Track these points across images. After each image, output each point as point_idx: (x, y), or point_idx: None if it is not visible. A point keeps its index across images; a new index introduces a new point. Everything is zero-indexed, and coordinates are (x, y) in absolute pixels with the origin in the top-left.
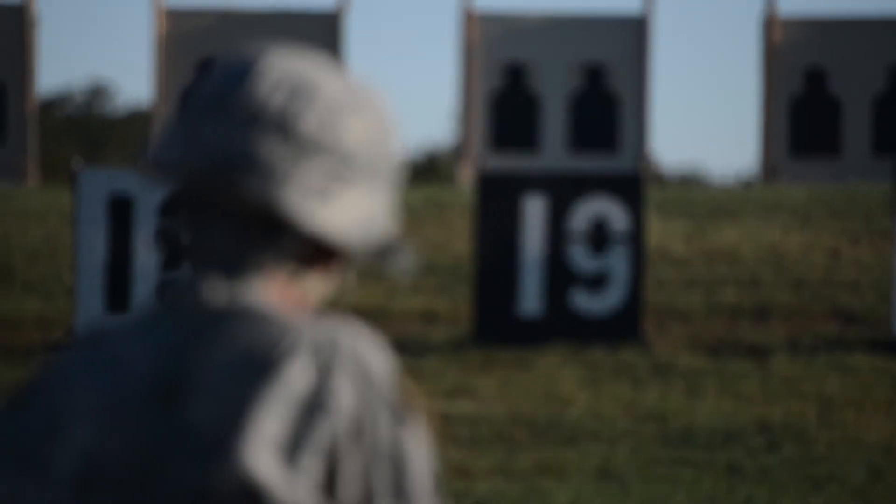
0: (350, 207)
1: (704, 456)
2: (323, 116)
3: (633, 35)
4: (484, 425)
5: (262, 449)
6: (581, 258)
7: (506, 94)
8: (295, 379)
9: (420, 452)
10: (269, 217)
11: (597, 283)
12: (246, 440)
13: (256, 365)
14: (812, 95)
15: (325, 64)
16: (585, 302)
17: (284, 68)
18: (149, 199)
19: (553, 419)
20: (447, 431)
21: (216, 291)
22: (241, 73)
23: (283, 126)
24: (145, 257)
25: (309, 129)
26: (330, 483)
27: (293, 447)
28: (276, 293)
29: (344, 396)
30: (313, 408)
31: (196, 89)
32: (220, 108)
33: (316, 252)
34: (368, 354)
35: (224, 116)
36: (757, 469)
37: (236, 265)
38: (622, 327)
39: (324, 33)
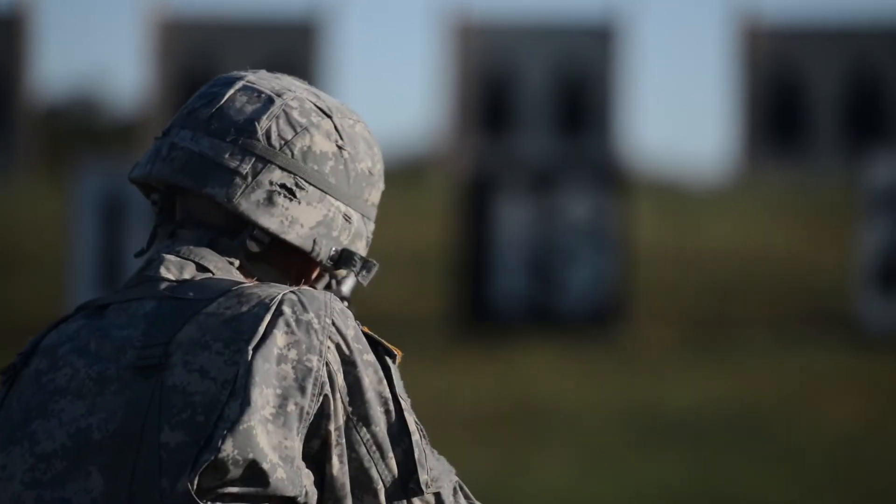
0: (307, 214)
1: (688, 441)
2: (285, 129)
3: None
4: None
5: (255, 416)
6: (564, 250)
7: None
8: (279, 346)
9: (402, 388)
10: (231, 219)
11: (580, 274)
12: (247, 412)
13: (235, 334)
14: (783, 93)
15: (299, 84)
16: (569, 292)
17: (255, 85)
18: (144, 200)
19: (538, 406)
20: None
21: (182, 269)
22: (213, 90)
23: (244, 135)
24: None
25: (271, 138)
26: (323, 445)
27: (284, 412)
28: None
29: (326, 359)
30: (300, 374)
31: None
32: (190, 120)
33: (287, 258)
34: (340, 307)
35: (192, 126)
36: (741, 452)
37: (201, 250)
38: (603, 318)
39: (301, 43)
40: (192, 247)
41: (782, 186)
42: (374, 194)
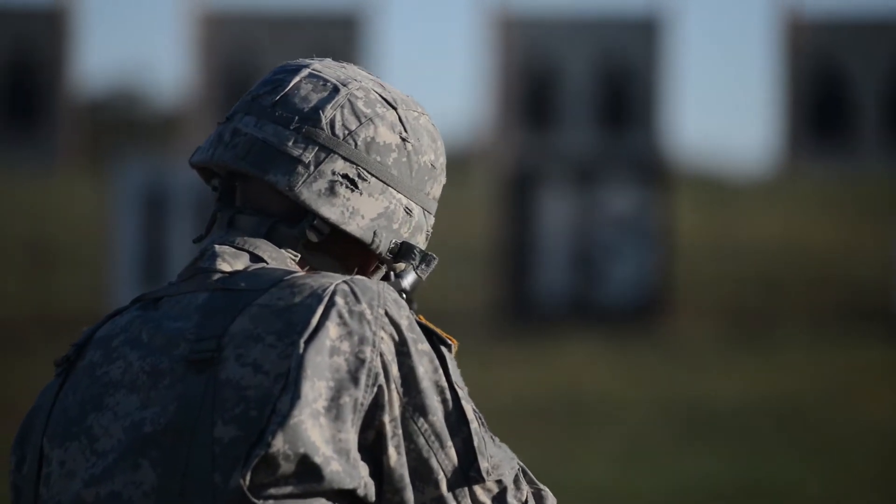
0: (369, 205)
1: (729, 434)
2: (350, 119)
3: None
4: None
5: (305, 409)
6: (606, 243)
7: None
8: (332, 337)
9: (459, 377)
10: (291, 207)
11: (622, 268)
12: (297, 406)
13: (287, 326)
14: (828, 87)
15: (365, 74)
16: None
17: (320, 73)
18: (185, 193)
19: (576, 399)
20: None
21: (235, 259)
22: (278, 77)
23: (308, 123)
24: (180, 249)
25: (335, 128)
26: (378, 437)
27: (337, 405)
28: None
29: (380, 350)
30: (353, 365)
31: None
32: (255, 106)
33: (346, 249)
34: (395, 297)
35: (256, 113)
36: (782, 445)
37: (254, 235)
38: (645, 311)
39: (344, 36)
40: (246, 237)
41: (824, 180)
42: (436, 188)
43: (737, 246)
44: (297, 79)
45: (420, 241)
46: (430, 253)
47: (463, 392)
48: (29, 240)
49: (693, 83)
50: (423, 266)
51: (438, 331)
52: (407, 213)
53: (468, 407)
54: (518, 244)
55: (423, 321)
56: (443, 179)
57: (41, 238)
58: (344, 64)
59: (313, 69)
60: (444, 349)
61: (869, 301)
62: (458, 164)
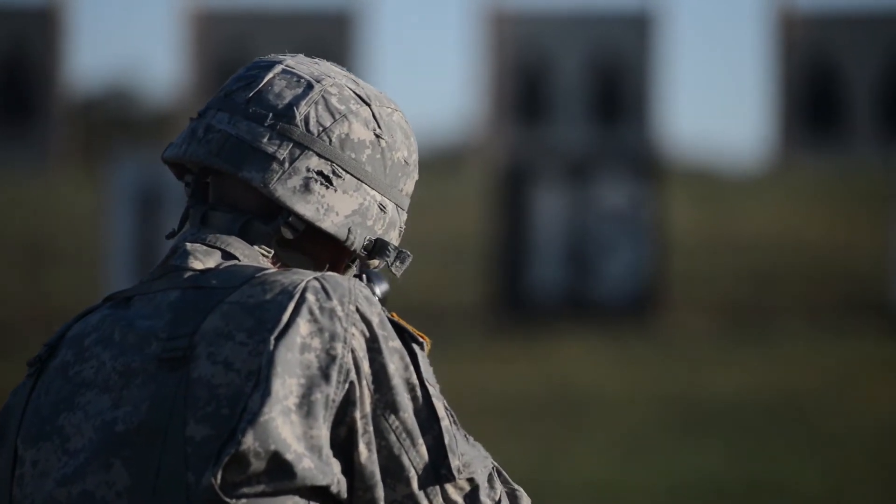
0: (343, 202)
1: (725, 429)
2: (324, 115)
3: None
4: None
5: (276, 407)
6: (600, 238)
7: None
8: (302, 334)
9: (431, 374)
10: (265, 204)
11: (617, 263)
12: (267, 403)
13: (258, 323)
14: (820, 78)
15: (338, 70)
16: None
17: (294, 69)
18: (179, 191)
19: (573, 394)
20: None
21: (207, 256)
22: (251, 73)
23: (283, 120)
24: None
25: (310, 125)
26: (349, 433)
27: (308, 402)
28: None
29: (351, 346)
30: (324, 362)
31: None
32: (228, 102)
33: (319, 246)
34: (366, 294)
35: (229, 109)
36: (779, 440)
37: (228, 238)
38: (639, 306)
39: (337, 32)
40: (218, 234)
41: (819, 174)
42: (409, 184)
43: (731, 240)
44: (270, 75)
45: (393, 238)
46: (404, 250)
47: (434, 390)
48: (23, 238)
49: (686, 78)
50: (397, 263)
51: (410, 328)
52: (381, 209)
53: (439, 405)
54: (512, 239)
55: (396, 318)
56: (415, 176)
57: (35, 236)
58: (317, 60)
59: (286, 65)
60: (415, 346)
61: (865, 294)
62: (451, 159)
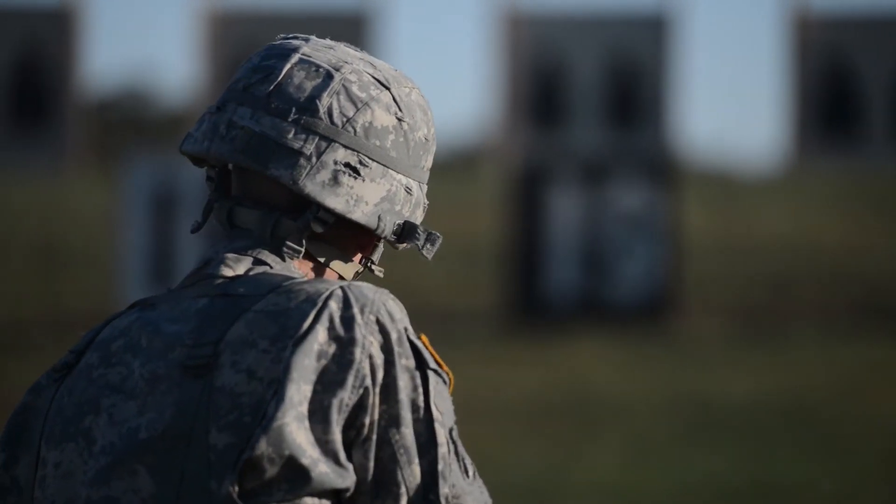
0: (371, 190)
1: (738, 432)
2: (346, 105)
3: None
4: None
5: (290, 412)
6: (615, 241)
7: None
8: (320, 341)
9: (443, 403)
10: (293, 198)
11: (631, 265)
12: (281, 409)
13: (281, 331)
14: (836, 82)
15: (353, 53)
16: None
17: (311, 58)
18: (194, 191)
19: (585, 397)
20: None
21: (238, 263)
22: (267, 64)
23: (306, 114)
24: (189, 248)
25: (333, 116)
26: (356, 437)
27: (323, 407)
28: (301, 268)
29: (369, 353)
30: (341, 367)
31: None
32: (248, 97)
33: (347, 234)
34: (390, 308)
35: (250, 104)
36: (792, 444)
37: (259, 240)
38: (654, 309)
39: (352, 34)
40: (258, 248)
41: (834, 177)
42: (429, 159)
43: (746, 243)
44: (288, 66)
45: (418, 217)
46: (434, 232)
47: (441, 417)
48: (38, 239)
49: (702, 80)
50: (427, 245)
51: (436, 357)
52: (407, 192)
53: (441, 431)
54: (527, 242)
55: (426, 342)
56: (434, 148)
57: (50, 237)
58: (331, 44)
59: (303, 54)
60: (430, 373)
61: (880, 298)
62: (467, 161)
